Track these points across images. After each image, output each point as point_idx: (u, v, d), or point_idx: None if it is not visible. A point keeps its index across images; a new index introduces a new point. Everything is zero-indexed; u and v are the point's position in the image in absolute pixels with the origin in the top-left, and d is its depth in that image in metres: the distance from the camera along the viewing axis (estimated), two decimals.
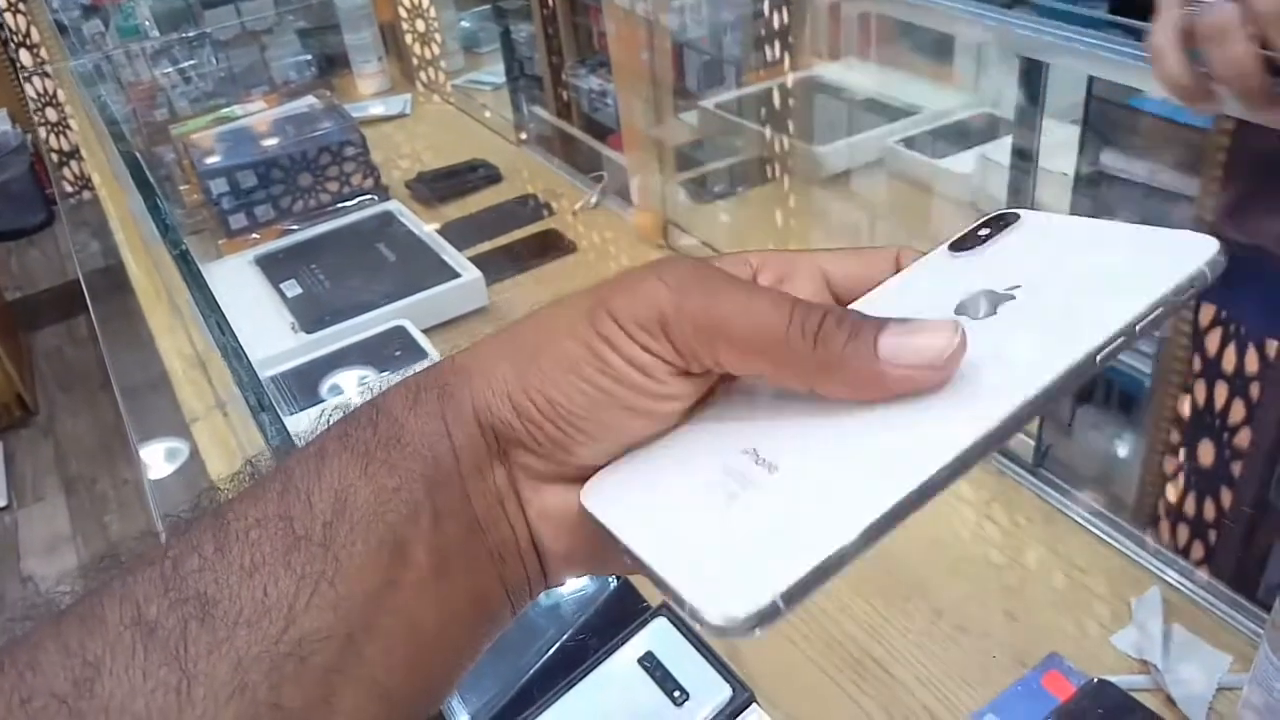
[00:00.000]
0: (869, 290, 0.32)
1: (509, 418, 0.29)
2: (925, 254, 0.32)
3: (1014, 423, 0.25)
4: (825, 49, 1.36)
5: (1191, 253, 0.27)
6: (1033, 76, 0.90)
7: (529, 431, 0.29)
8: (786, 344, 0.27)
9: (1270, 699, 0.64)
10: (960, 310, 0.29)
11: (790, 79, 1.30)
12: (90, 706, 0.24)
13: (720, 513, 0.26)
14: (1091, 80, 0.88)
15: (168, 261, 1.25)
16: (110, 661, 0.24)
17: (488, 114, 1.77)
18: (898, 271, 0.32)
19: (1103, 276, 0.28)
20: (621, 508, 0.28)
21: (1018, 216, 0.32)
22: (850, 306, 0.30)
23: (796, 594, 0.24)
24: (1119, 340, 0.26)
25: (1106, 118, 0.98)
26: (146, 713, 0.24)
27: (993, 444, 0.25)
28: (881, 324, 0.26)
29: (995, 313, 0.28)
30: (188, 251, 0.81)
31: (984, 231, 0.31)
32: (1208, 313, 0.89)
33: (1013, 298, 0.28)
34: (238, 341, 0.69)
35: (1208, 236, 0.27)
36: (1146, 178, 1.03)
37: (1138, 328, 0.26)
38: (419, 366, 0.93)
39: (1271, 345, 0.91)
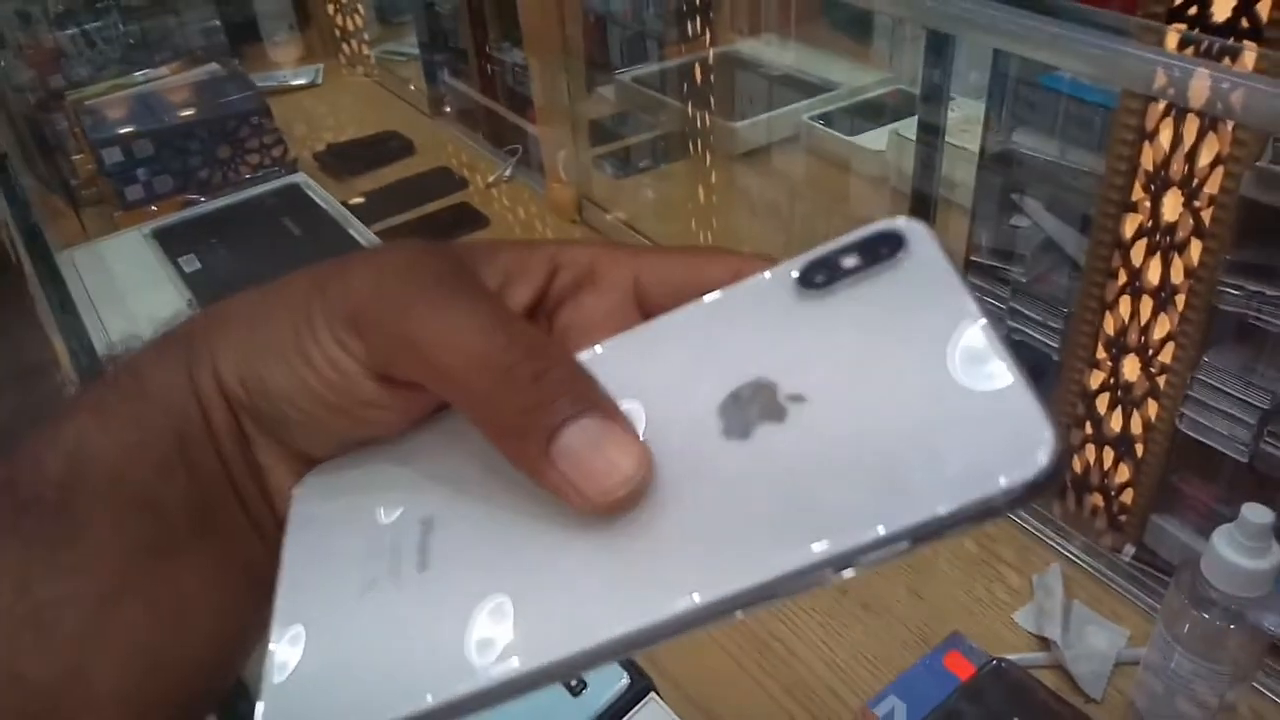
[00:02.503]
0: (678, 304, 0.26)
1: (234, 387, 0.26)
2: (767, 271, 0.25)
3: (672, 629, 0.20)
4: (746, 24, 1.35)
5: (1022, 453, 0.19)
6: (940, 50, 0.89)
7: (252, 403, 0.26)
8: (475, 379, 0.23)
9: (1166, 673, 0.65)
10: (724, 408, 0.23)
11: (711, 54, 1.28)
12: None
13: (353, 606, 0.24)
14: (999, 57, 0.87)
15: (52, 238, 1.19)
16: None
17: (411, 87, 1.72)
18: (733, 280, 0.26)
19: (904, 441, 0.20)
20: (309, 531, 0.26)
21: (902, 243, 0.24)
22: (624, 345, 0.26)
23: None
24: (876, 551, 0.19)
25: (1017, 96, 0.98)
26: None
27: (622, 649, 0.21)
28: (581, 407, 0.23)
29: (758, 428, 0.22)
30: (38, 227, 0.76)
31: (850, 261, 0.24)
32: (1122, 278, 0.90)
33: (786, 411, 0.22)
34: (81, 324, 0.65)
35: (1052, 436, 0.19)
36: (1056, 156, 1.03)
37: (902, 543, 0.19)
38: None
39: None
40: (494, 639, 0.21)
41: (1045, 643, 0.74)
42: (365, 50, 1.86)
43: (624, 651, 0.21)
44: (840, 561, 0.20)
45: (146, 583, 0.25)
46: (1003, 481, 0.19)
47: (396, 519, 0.25)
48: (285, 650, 0.24)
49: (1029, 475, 0.19)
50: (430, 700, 0.21)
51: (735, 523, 0.21)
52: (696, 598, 0.20)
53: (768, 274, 0.25)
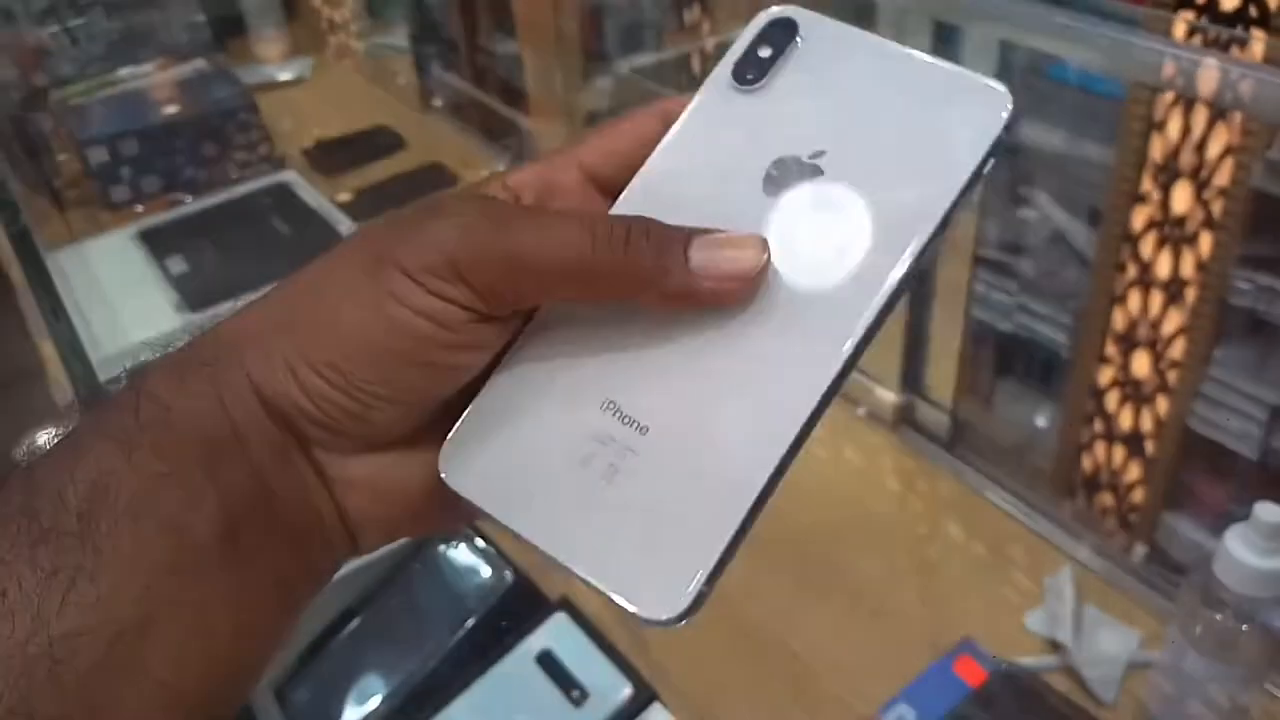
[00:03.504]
0: (639, 167, 0.28)
1: (294, 394, 0.26)
2: (700, 94, 0.29)
3: (867, 339, 0.25)
4: (746, 12, 1.32)
5: (987, 109, 0.26)
6: (947, 41, 0.87)
7: (319, 407, 0.26)
8: (594, 264, 0.25)
9: (1179, 676, 0.63)
10: (770, 190, 0.27)
11: (711, 43, 1.26)
12: None
13: (608, 491, 0.25)
14: (1005, 47, 0.86)
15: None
16: None
17: (401, 81, 1.70)
18: (668, 127, 0.29)
19: (909, 144, 0.26)
20: (486, 485, 0.27)
21: (794, 25, 0.29)
22: (647, 190, 0.28)
23: (718, 572, 0.24)
24: (939, 233, 0.25)
25: (1024, 87, 0.96)
26: None
27: (851, 366, 0.25)
28: (688, 236, 0.26)
29: (807, 192, 0.27)
30: (27, 230, 0.74)
31: (764, 52, 0.28)
32: (1132, 271, 0.89)
33: (820, 170, 0.27)
34: (74, 331, 0.63)
35: (998, 86, 0.26)
36: (1064, 148, 1.01)
37: (952, 217, 0.25)
38: None
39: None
40: (747, 444, 0.25)
41: (1057, 646, 0.72)
42: (353, 43, 1.83)
43: (819, 417, 0.25)
44: (928, 252, 0.25)
45: (167, 613, 0.24)
46: (1001, 122, 0.25)
47: (577, 421, 0.26)
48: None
49: (1009, 110, 0.25)
50: (765, 471, 0.24)
51: (841, 259, 0.25)
52: (860, 326, 0.25)
53: (703, 94, 0.29)
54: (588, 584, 0.25)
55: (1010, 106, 0.25)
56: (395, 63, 1.75)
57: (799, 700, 0.71)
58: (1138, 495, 1.10)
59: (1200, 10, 0.77)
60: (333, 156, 1.44)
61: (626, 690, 0.66)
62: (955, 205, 0.25)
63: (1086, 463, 1.17)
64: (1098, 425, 1.13)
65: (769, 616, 0.77)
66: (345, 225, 1.21)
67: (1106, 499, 1.14)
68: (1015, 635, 0.74)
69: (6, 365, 1.17)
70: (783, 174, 0.27)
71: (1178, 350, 0.95)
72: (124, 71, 1.63)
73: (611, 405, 0.26)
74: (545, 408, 0.27)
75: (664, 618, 0.24)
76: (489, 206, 0.27)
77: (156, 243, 1.20)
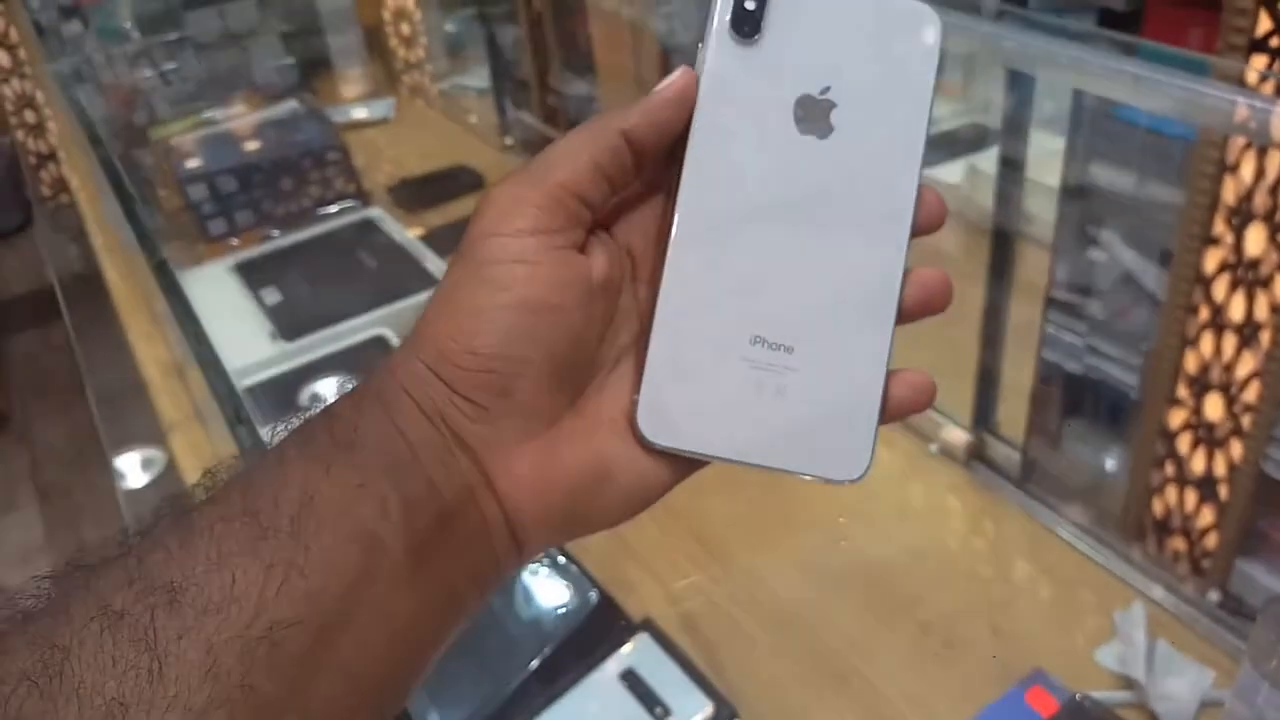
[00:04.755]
0: (671, 128, 0.32)
1: (442, 394, 0.29)
2: (708, 58, 0.32)
3: (913, 229, 0.31)
4: None
5: (925, 28, 0.32)
6: (1020, 88, 0.89)
7: (467, 398, 0.29)
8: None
9: (1253, 712, 0.64)
10: (804, 129, 0.31)
11: None
12: (60, 688, 0.23)
13: (783, 404, 0.31)
14: (1077, 92, 0.88)
15: (146, 268, 1.24)
16: (78, 648, 0.24)
17: (473, 119, 1.76)
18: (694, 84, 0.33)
19: (885, 66, 0.32)
20: (689, 430, 0.31)
21: None
22: (704, 154, 0.31)
23: (878, 433, 0.31)
24: (928, 138, 0.31)
25: (1094, 128, 0.98)
26: (119, 693, 0.24)
27: (908, 251, 0.31)
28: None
29: (830, 124, 0.31)
30: (165, 262, 0.79)
31: (750, 4, 0.32)
32: (1204, 314, 0.89)
33: (834, 103, 0.31)
34: (214, 353, 0.68)
35: (927, 7, 0.32)
36: (1134, 189, 1.02)
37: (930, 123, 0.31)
38: None
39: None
40: (866, 330, 0.31)
41: (1127, 682, 0.73)
42: (428, 84, 1.89)
43: (902, 294, 0.31)
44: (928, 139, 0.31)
45: (362, 613, 0.27)
46: (940, 36, 0.31)
47: (733, 359, 0.31)
48: None
49: (939, 25, 0.31)
50: (884, 347, 0.31)
51: (879, 168, 0.31)
52: (908, 217, 0.31)
53: (714, 55, 0.32)
54: (792, 474, 0.31)
55: (939, 23, 0.32)
56: (470, 102, 1.81)
57: None
58: (1210, 540, 1.10)
59: (1275, 53, 0.79)
60: (417, 193, 1.50)
61: (709, 708, 0.68)
62: (932, 110, 0.31)
63: (1158, 506, 1.17)
64: (1169, 468, 1.13)
65: (843, 644, 0.78)
66: (430, 259, 1.25)
67: (1178, 543, 1.13)
68: (1086, 670, 0.75)
69: (113, 383, 1.23)
70: (807, 112, 0.31)
71: (1252, 394, 0.96)
72: (216, 112, 1.71)
73: (759, 339, 0.31)
74: (708, 359, 0.31)
75: (858, 476, 0.31)
76: (527, 162, 0.31)
77: (251, 274, 1.26)
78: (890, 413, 0.31)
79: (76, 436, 2.54)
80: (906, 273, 0.31)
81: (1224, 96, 0.73)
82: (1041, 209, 0.96)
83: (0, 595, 0.26)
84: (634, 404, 0.30)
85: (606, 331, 0.32)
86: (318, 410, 0.30)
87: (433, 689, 0.74)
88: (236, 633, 0.25)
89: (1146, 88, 0.76)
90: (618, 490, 0.30)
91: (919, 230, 0.31)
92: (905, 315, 0.31)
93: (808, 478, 0.31)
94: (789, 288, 0.31)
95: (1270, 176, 0.87)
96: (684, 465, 0.31)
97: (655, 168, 0.32)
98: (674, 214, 0.31)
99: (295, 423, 0.30)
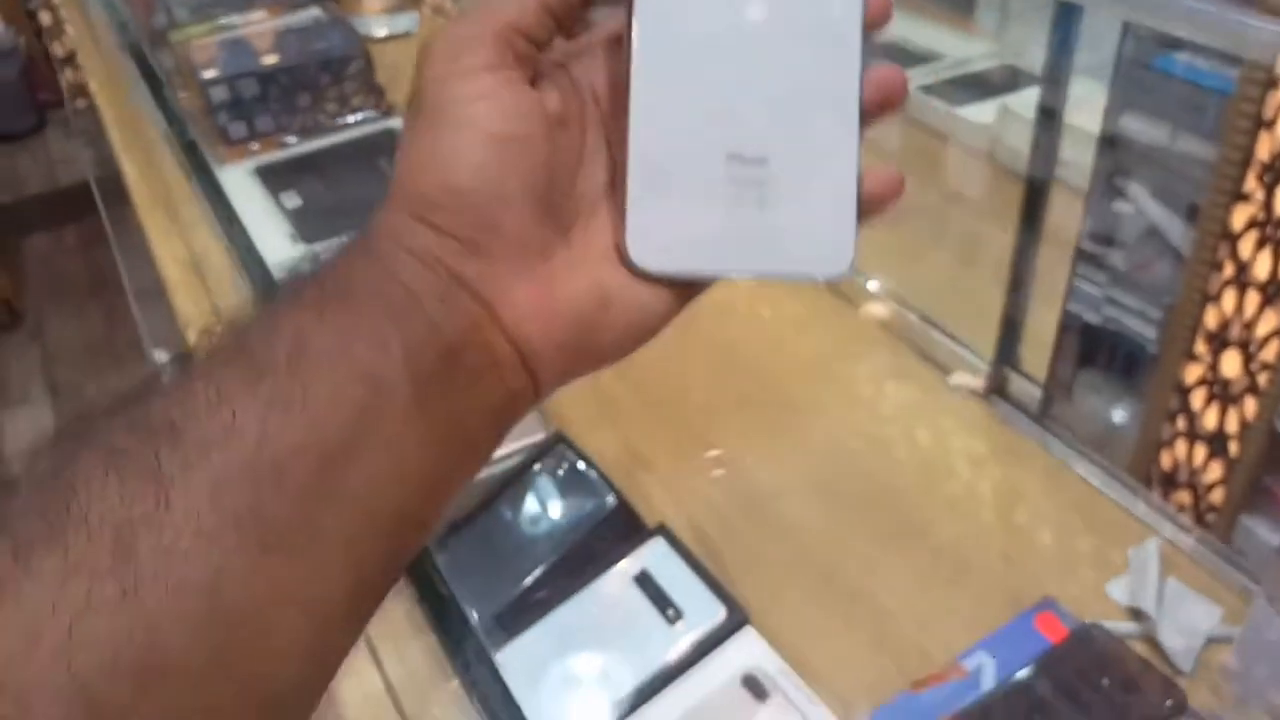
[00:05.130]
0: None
1: (432, 238, 0.29)
2: None
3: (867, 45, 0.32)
4: None
5: None
6: (1066, 26, 0.88)
7: (458, 237, 0.29)
8: None
9: (1263, 645, 0.65)
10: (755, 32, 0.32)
11: None
12: (67, 519, 0.24)
13: (765, 213, 0.32)
14: (1125, 28, 0.86)
15: (166, 165, 1.23)
16: (84, 485, 0.24)
17: None
18: None
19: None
20: (677, 252, 0.32)
21: None
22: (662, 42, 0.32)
23: (858, 230, 0.32)
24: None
25: (1128, 78, 0.97)
26: (128, 518, 0.24)
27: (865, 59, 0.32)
28: None
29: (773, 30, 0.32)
30: (195, 143, 0.79)
31: None
32: (1228, 270, 0.89)
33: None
34: (246, 234, 0.68)
35: None
36: (1166, 142, 1.02)
37: None
38: None
39: None
40: (833, 135, 0.32)
41: (1137, 614, 0.74)
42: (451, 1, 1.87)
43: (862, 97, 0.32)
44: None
45: (367, 444, 0.27)
46: None
47: (711, 176, 0.32)
48: None
49: None
50: (852, 150, 0.32)
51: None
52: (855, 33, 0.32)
53: None
54: (782, 278, 0.33)
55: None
56: None
57: (881, 644, 0.73)
58: (1216, 495, 1.10)
59: None
60: None
61: (721, 612, 0.69)
62: None
63: (1165, 459, 1.17)
64: (1180, 423, 1.13)
65: (855, 566, 0.79)
66: None
67: (1184, 497, 1.14)
68: (1096, 602, 0.75)
69: (133, 283, 1.23)
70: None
71: (1270, 352, 0.95)
72: (235, 17, 1.68)
73: (734, 156, 0.32)
74: (686, 180, 0.32)
75: (842, 270, 0.32)
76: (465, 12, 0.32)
77: (272, 178, 1.25)
78: (866, 207, 0.32)
79: (90, 337, 2.55)
80: (863, 73, 0.32)
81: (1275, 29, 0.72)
82: (1073, 154, 0.95)
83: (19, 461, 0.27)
84: (620, 233, 0.31)
85: (579, 166, 0.32)
86: (309, 266, 0.30)
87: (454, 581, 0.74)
88: (241, 463, 0.25)
89: (1199, 20, 0.75)
90: (620, 317, 0.31)
91: (871, 26, 0.32)
92: (868, 114, 0.32)
93: (794, 278, 0.33)
94: (755, 102, 0.32)
95: None
96: (680, 291, 0.32)
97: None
98: (631, 44, 0.31)
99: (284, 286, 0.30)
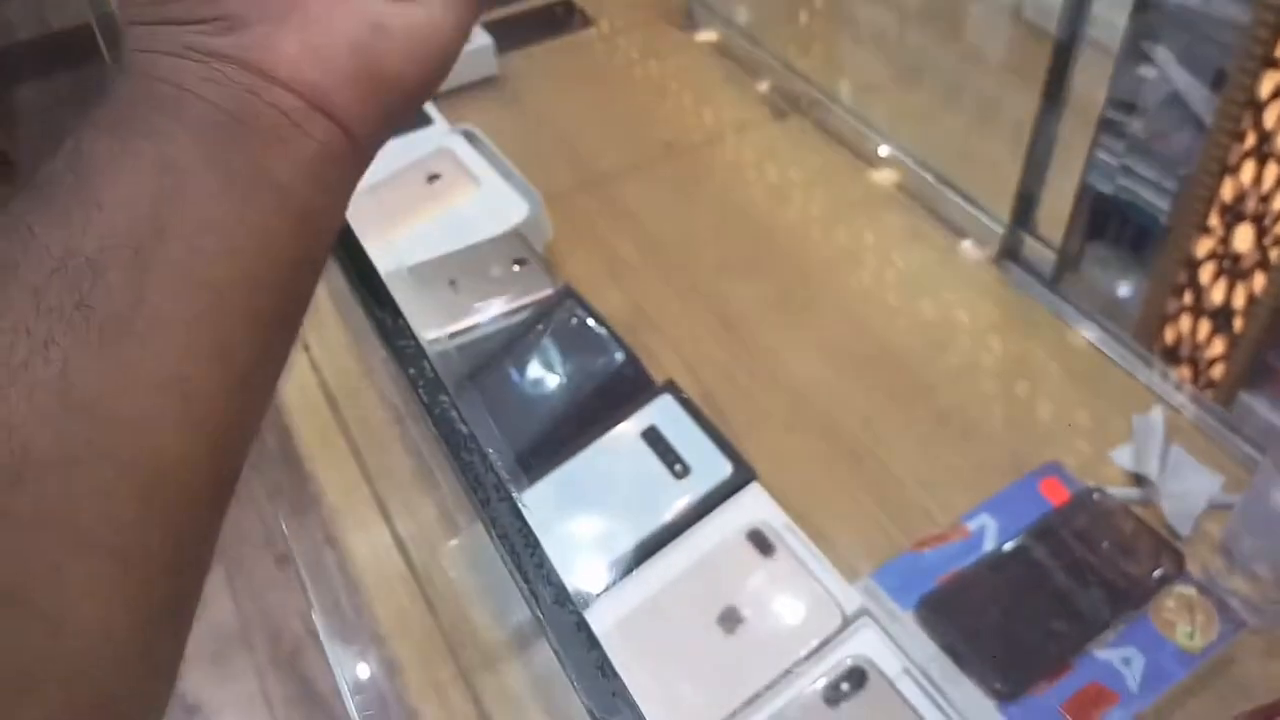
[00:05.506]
0: None
1: (173, 33, 0.28)
2: None
3: None
4: None
5: None
6: None
7: (199, 21, 0.28)
8: None
9: (1264, 509, 0.66)
10: None
11: None
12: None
13: None
14: None
15: None
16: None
17: None
18: None
19: None
20: None
21: None
22: None
23: None
24: None
25: None
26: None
27: None
28: None
29: None
30: None
31: None
32: (1250, 140, 0.87)
33: None
34: None
35: None
36: (1198, 3, 0.98)
37: None
38: (426, 132, 0.89)
39: None
40: None
41: (1139, 480, 0.75)
42: None
43: None
44: None
45: (179, 228, 0.27)
46: None
47: None
48: None
49: None
50: None
51: None
52: None
53: None
54: None
55: None
56: None
57: (884, 505, 0.74)
58: (1217, 370, 1.10)
59: None
60: None
61: (727, 468, 0.69)
62: None
63: (1169, 334, 1.17)
64: (1187, 297, 1.13)
65: (859, 425, 0.79)
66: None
67: (1185, 372, 1.14)
68: (1100, 467, 0.76)
69: None
70: None
71: None
72: None
73: None
74: None
75: None
76: None
77: None
78: None
79: None
80: None
81: None
82: (1107, 15, 0.92)
83: None
84: None
85: None
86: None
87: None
88: (52, 269, 0.25)
89: None
90: (402, 39, 0.30)
91: None
92: None
93: None
94: None
95: None
96: (453, 4, 0.31)
97: None
98: None
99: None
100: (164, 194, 0.27)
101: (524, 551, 0.34)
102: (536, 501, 0.69)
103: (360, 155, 0.31)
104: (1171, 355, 1.22)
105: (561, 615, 0.33)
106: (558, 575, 0.33)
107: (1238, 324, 1.06)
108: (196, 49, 0.28)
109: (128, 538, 0.25)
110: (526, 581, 0.33)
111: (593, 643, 0.31)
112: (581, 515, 0.69)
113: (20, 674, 0.23)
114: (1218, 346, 1.12)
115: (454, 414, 0.36)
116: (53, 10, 2.97)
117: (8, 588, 0.23)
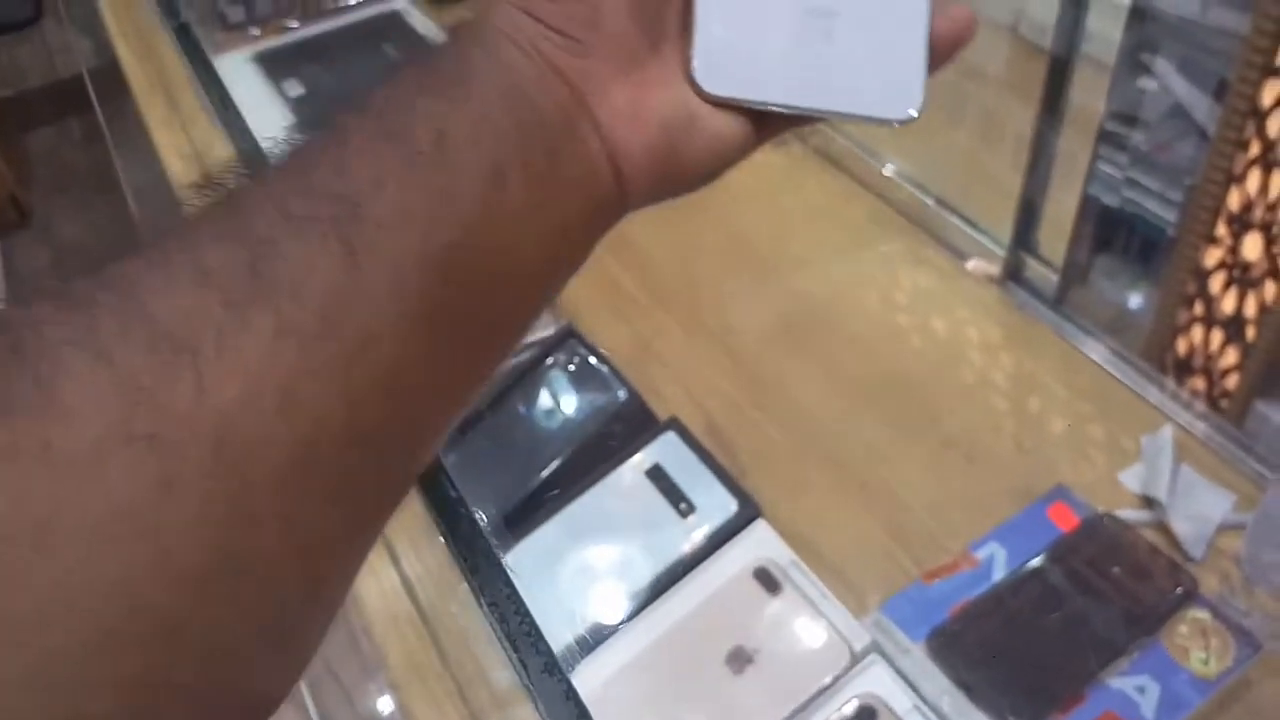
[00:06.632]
0: None
1: (532, 27, 0.30)
2: None
3: None
4: None
5: None
6: None
7: (560, 32, 0.30)
8: None
9: (1273, 531, 0.65)
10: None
11: None
12: (270, 282, 0.24)
13: (832, 49, 0.32)
14: None
15: (164, 52, 1.20)
16: (274, 241, 0.24)
17: None
18: None
19: None
20: (742, 78, 0.32)
21: None
22: None
23: (927, 72, 0.32)
24: None
25: None
26: (322, 291, 0.24)
27: None
28: None
29: None
30: (187, 26, 0.76)
31: None
32: (1255, 148, 0.87)
33: None
34: (242, 119, 0.66)
35: None
36: (1197, 14, 0.98)
37: None
38: None
39: None
40: None
41: (1150, 503, 0.74)
42: None
43: None
44: None
45: (489, 244, 0.27)
46: None
47: (786, 8, 0.32)
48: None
49: None
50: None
51: None
52: None
53: None
54: (848, 117, 0.32)
55: None
56: None
57: (893, 533, 0.74)
58: (1231, 381, 1.09)
59: None
60: None
61: (733, 506, 0.69)
62: None
63: (1181, 345, 1.16)
64: (1198, 308, 1.12)
65: (866, 454, 0.79)
66: None
67: (1198, 383, 1.13)
68: (1109, 490, 0.75)
69: (135, 176, 1.21)
70: None
71: None
72: None
73: None
74: (755, 7, 0.32)
75: (911, 114, 0.31)
76: None
77: (273, 66, 1.22)
78: (936, 49, 0.32)
79: (99, 232, 2.53)
80: None
81: None
82: (1102, 28, 0.91)
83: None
84: (687, 52, 0.32)
85: None
86: (421, 52, 0.30)
87: (463, 474, 0.75)
88: (415, 251, 0.25)
89: None
90: (704, 137, 0.32)
91: None
92: None
93: (861, 118, 0.32)
94: None
95: None
96: (758, 122, 0.32)
97: None
98: None
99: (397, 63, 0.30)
100: (490, 206, 0.27)
101: (512, 619, 0.34)
102: (540, 543, 0.69)
103: (614, 220, 0.32)
104: (1184, 366, 1.21)
105: (549, 684, 0.33)
106: (546, 643, 0.33)
107: (1250, 333, 1.05)
108: (544, 55, 0.30)
109: None
110: (515, 650, 0.34)
111: (581, 712, 0.31)
112: (588, 556, 0.69)
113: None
114: (1231, 356, 1.11)
115: (443, 477, 0.37)
116: (61, 57, 3.01)
117: None
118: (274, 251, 0.24)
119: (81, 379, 0.21)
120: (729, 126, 0.32)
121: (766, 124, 0.33)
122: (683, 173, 0.32)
